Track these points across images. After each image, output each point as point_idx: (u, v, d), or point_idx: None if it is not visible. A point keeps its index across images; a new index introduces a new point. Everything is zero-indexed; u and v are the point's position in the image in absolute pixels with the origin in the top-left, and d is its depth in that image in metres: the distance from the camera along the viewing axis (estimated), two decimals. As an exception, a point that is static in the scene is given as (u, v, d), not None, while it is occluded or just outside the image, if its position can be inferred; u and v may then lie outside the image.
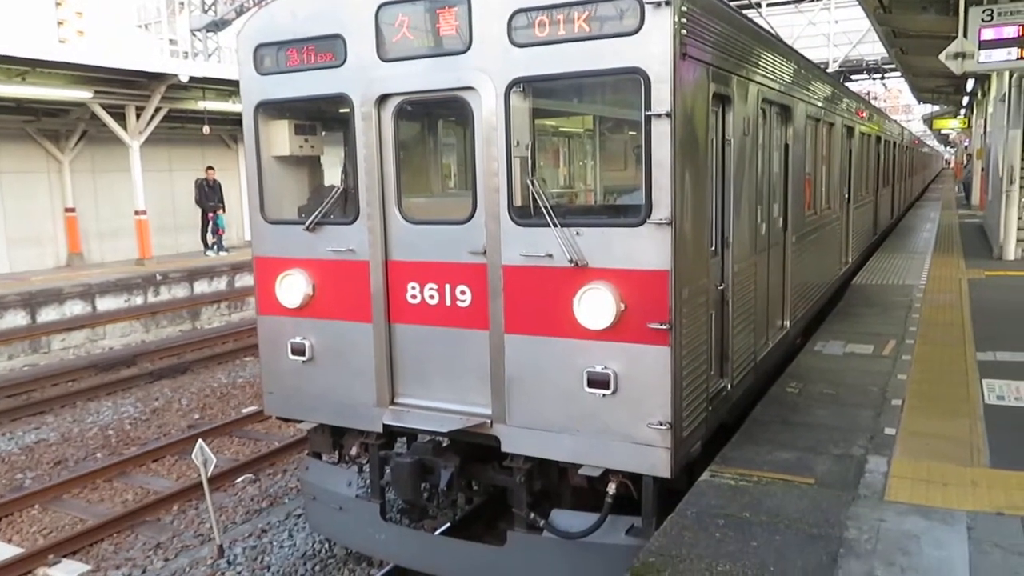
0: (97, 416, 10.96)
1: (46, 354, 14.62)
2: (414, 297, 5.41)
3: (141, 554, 7.00)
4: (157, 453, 9.31)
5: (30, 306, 15.02)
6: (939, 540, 4.13)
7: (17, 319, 14.79)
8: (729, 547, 4.10)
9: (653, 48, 4.41)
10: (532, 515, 5.28)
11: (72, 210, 19.75)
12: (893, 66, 29.48)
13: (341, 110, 5.58)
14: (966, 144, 44.42)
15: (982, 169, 24.74)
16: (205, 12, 31.97)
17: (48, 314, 15.30)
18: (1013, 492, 4.68)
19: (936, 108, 43.97)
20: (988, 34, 11.01)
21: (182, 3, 37.06)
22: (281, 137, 5.96)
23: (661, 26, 4.38)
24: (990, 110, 20.69)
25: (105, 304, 16.31)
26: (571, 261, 4.74)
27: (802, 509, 4.52)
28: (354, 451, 6.07)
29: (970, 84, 24.75)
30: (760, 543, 4.13)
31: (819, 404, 6.43)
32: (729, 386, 5.78)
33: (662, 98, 4.43)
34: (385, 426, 5.59)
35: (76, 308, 15.81)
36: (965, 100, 32.34)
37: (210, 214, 21.06)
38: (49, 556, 6.88)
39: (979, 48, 11.07)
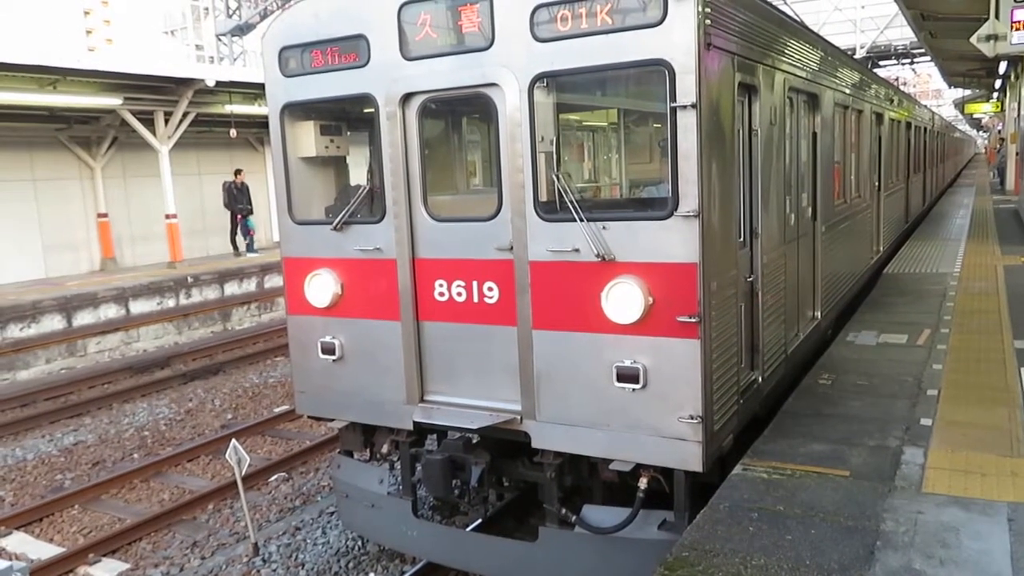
0: (133, 417, 11.15)
1: (82, 357, 14.90)
2: (442, 295, 5.42)
3: (178, 552, 7.11)
4: (192, 453, 9.45)
5: (66, 310, 15.30)
6: (979, 532, 4.06)
7: (54, 323, 15.09)
8: (763, 541, 4.07)
9: (677, 39, 4.37)
10: (563, 510, 5.27)
11: (104, 215, 20.08)
12: (922, 50, 28.96)
13: (366, 110, 5.61)
14: (999, 128, 43.51)
15: (1016, 153, 24.20)
16: (230, 17, 32.27)
17: (84, 318, 15.58)
18: (1055, 482, 4.59)
19: (967, 92, 43.12)
20: (1021, 15, 10.75)
21: (207, 8, 37.49)
22: (307, 138, 6.00)
23: (685, 16, 4.34)
24: (1024, 93, 20.23)
25: (138, 307, 16.57)
26: (598, 255, 4.72)
27: (837, 502, 4.46)
28: (385, 448, 6.10)
29: (1003, 67, 24.19)
30: (795, 536, 4.09)
31: (852, 395, 6.34)
32: (760, 379, 5.72)
33: (687, 89, 4.39)
34: (415, 423, 5.62)
35: (110, 312, 16.08)
36: (998, 83, 31.65)
37: (239, 216, 21.30)
38: (89, 555, 7.02)
39: (1012, 29, 10.81)
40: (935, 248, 14.52)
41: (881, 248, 12.29)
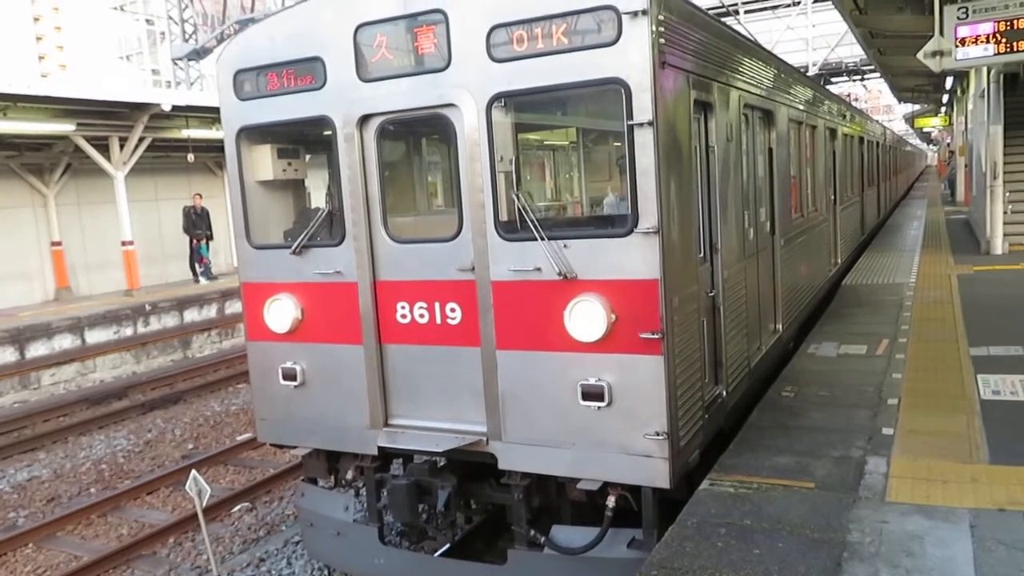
0: (90, 450, 10.83)
1: (36, 390, 14.46)
2: (404, 316, 5.36)
3: (138, 589, 6.90)
4: (151, 486, 9.20)
5: (19, 342, 14.88)
6: (942, 539, 4.10)
7: (6, 355, 14.64)
8: (732, 556, 4.06)
9: (632, 58, 4.42)
10: (532, 532, 5.23)
11: (59, 244, 19.63)
12: (872, 67, 29.74)
13: (323, 132, 5.56)
14: (948, 141, 44.78)
15: (965, 165, 24.93)
16: (186, 41, 31.98)
17: (37, 349, 15.16)
18: (1014, 487, 4.66)
19: (917, 107, 44.31)
20: (964, 31, 11.11)
21: (163, 33, 37.11)
22: (264, 161, 5.93)
23: (639, 36, 4.39)
24: (970, 107, 20.87)
25: (95, 337, 16.18)
26: (560, 274, 4.71)
27: (803, 514, 4.48)
28: (350, 475, 6.01)
29: (949, 82, 24.95)
30: (763, 550, 4.09)
31: (815, 407, 6.40)
32: (724, 393, 5.75)
33: (643, 107, 4.42)
34: (380, 448, 5.54)
35: (65, 342, 15.67)
36: (945, 98, 32.61)
37: (195, 241, 20.96)
38: (44, 596, 6.78)
39: (956, 46, 11.16)
40: (891, 259, 14.83)
41: (839, 260, 12.50)
